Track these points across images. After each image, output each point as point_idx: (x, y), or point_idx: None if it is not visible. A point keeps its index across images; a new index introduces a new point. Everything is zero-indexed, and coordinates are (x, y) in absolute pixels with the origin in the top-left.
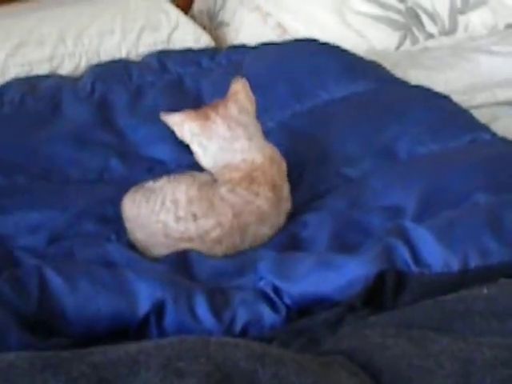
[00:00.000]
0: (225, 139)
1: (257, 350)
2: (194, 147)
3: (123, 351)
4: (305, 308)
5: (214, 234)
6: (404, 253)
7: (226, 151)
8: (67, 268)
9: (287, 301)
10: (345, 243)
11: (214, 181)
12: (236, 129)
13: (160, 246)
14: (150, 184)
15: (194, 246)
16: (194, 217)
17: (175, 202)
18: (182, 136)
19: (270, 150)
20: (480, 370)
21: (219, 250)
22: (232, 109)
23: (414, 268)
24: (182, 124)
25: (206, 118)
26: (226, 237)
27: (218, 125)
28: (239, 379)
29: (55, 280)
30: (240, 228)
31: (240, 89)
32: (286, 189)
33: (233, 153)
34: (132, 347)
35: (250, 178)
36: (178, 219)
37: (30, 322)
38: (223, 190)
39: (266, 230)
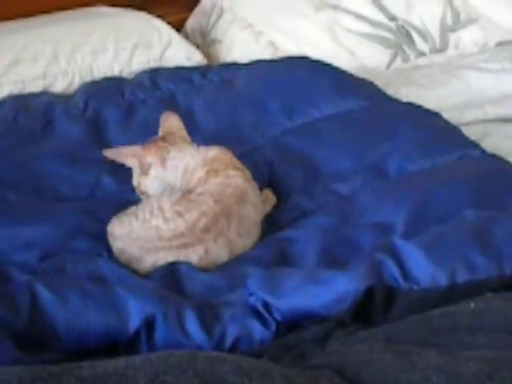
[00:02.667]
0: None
1: (244, 364)
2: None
3: (111, 366)
4: (294, 323)
5: (201, 223)
6: (393, 268)
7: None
8: (58, 283)
9: (277, 316)
10: (334, 259)
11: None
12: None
13: (156, 252)
14: (133, 208)
15: (187, 240)
16: (180, 214)
17: (161, 209)
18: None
19: (213, 147)
20: (466, 383)
21: (210, 239)
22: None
23: (402, 283)
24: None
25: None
26: (212, 223)
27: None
28: None
29: (46, 295)
30: (224, 212)
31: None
32: (248, 172)
33: (185, 164)
34: (120, 362)
35: (213, 170)
36: (166, 220)
37: (21, 337)
38: (198, 188)
39: (250, 211)
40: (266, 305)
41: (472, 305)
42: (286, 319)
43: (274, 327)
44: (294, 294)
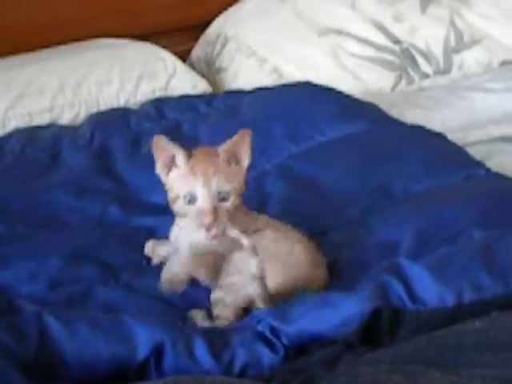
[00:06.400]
0: None
1: None
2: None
3: None
4: (302, 347)
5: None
6: (399, 289)
7: None
8: (66, 313)
9: (284, 340)
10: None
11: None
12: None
13: None
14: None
15: None
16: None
17: None
18: None
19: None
20: None
21: None
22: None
23: (409, 304)
24: None
25: None
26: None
27: None
28: None
29: (54, 325)
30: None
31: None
32: None
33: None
34: None
35: None
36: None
37: (30, 368)
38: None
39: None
40: (273, 330)
41: (477, 323)
42: (293, 343)
43: (282, 352)
44: (301, 318)
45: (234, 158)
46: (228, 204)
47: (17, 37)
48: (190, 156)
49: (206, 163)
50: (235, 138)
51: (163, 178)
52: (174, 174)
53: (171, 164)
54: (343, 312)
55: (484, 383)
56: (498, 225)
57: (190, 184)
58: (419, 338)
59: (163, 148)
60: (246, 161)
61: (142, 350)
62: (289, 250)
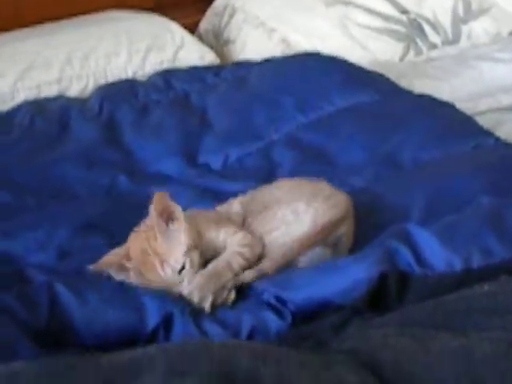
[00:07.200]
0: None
1: (258, 349)
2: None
3: (128, 356)
4: (310, 313)
5: None
6: (406, 254)
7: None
8: (77, 283)
9: (291, 307)
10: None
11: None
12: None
13: None
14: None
15: None
16: None
17: None
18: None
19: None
20: (480, 363)
21: None
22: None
23: (416, 269)
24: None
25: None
26: None
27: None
28: (241, 378)
29: (65, 294)
30: None
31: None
32: None
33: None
34: (137, 352)
35: None
36: None
37: (41, 336)
38: None
39: None
40: (279, 299)
41: (486, 287)
42: (301, 310)
43: (289, 318)
44: (307, 285)
45: (168, 218)
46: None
47: (24, 10)
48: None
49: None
50: (154, 204)
51: None
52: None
53: None
54: (351, 277)
55: (492, 345)
56: (507, 193)
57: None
58: (427, 303)
59: None
60: (179, 214)
61: (152, 319)
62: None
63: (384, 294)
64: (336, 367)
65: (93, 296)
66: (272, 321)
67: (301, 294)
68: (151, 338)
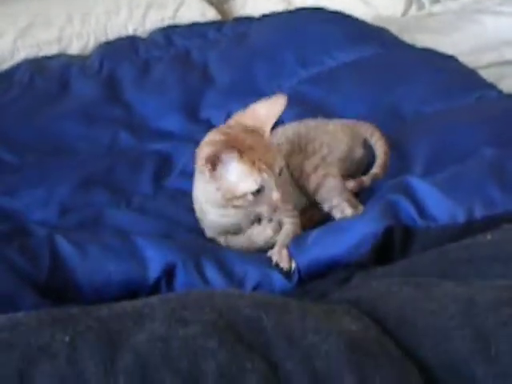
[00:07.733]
0: None
1: (261, 299)
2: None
3: (129, 305)
4: (317, 274)
5: None
6: (409, 208)
7: None
8: (77, 236)
9: (298, 269)
10: None
11: None
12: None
13: None
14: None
15: None
16: None
17: None
18: None
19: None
20: (483, 310)
21: None
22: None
23: (419, 222)
24: None
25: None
26: None
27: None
28: (243, 326)
29: (66, 247)
30: None
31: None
32: None
33: None
34: (138, 302)
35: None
36: None
37: (43, 289)
38: None
39: None
40: None
41: (488, 236)
42: (307, 270)
43: (296, 278)
44: (313, 245)
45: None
46: (284, 176)
47: None
48: (237, 150)
49: (257, 150)
50: (270, 103)
51: (212, 179)
52: (228, 173)
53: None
54: (356, 234)
55: (495, 293)
56: (510, 144)
57: (255, 178)
58: (430, 252)
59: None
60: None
61: (154, 271)
62: None
63: (388, 249)
64: (338, 315)
65: (93, 248)
66: (277, 278)
67: (308, 255)
68: (153, 291)
